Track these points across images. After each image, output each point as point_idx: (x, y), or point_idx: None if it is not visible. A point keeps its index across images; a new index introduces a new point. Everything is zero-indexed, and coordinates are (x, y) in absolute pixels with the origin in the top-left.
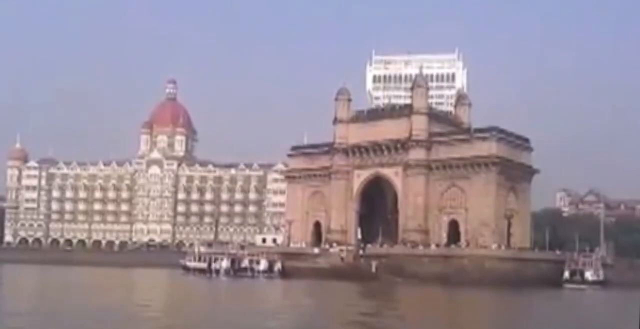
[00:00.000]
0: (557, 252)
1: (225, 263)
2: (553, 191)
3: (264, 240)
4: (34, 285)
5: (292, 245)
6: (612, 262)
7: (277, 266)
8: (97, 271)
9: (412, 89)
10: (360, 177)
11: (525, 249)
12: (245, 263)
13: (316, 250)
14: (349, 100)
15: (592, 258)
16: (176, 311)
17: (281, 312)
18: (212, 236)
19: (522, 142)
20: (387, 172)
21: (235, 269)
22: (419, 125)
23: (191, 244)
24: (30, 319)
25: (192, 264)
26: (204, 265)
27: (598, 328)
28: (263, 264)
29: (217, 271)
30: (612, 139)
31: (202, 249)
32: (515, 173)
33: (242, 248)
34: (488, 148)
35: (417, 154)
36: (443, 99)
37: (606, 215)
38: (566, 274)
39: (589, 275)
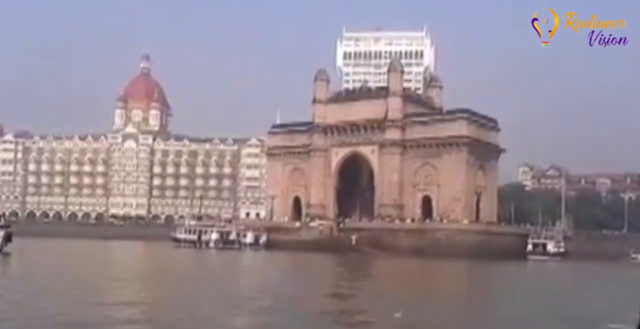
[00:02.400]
0: (527, 226)
1: (214, 235)
2: (516, 166)
3: (247, 214)
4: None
5: (274, 219)
6: (573, 235)
7: (263, 239)
8: (82, 243)
9: (388, 72)
10: (338, 155)
11: (492, 224)
12: (233, 236)
13: (297, 224)
14: (327, 81)
15: (553, 232)
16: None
17: (263, 281)
18: (187, 210)
19: (490, 123)
20: (364, 150)
21: (224, 241)
22: (395, 106)
23: (167, 217)
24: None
25: (182, 236)
26: (194, 237)
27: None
28: (249, 237)
29: (207, 243)
30: (575, 115)
31: (192, 222)
32: (483, 152)
33: (230, 221)
34: (459, 129)
35: (392, 134)
36: (411, 76)
37: (567, 189)
38: (530, 246)
39: (550, 247)
